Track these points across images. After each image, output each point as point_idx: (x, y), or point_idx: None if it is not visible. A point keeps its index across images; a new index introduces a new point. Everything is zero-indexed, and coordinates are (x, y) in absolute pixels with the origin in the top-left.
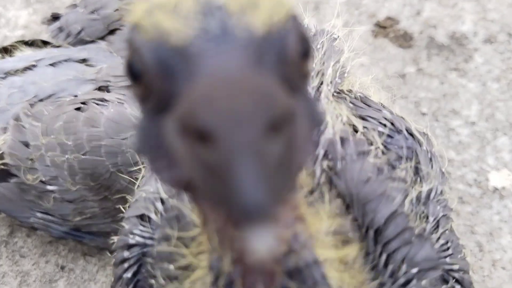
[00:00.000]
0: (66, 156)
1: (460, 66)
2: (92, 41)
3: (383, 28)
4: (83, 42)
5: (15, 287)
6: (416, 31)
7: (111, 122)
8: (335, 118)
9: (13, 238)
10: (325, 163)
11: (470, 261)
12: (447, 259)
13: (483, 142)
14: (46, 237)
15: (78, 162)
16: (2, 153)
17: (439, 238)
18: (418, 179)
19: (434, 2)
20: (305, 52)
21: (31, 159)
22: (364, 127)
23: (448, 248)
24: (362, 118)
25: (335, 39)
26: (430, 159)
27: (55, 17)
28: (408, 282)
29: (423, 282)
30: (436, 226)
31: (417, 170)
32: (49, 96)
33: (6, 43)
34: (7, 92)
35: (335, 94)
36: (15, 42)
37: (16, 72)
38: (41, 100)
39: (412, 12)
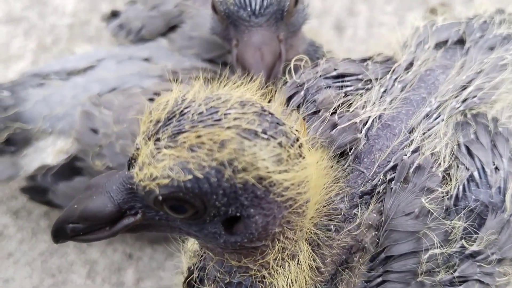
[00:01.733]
0: None
1: None
2: (152, 39)
3: (436, 15)
4: (144, 39)
5: (84, 275)
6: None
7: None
8: (437, 141)
9: None
10: (389, 175)
11: None
12: None
13: None
14: None
15: None
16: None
17: None
18: (464, 240)
19: None
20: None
21: (100, 146)
22: (458, 165)
23: None
24: (469, 154)
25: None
26: (503, 228)
27: (114, 14)
28: None
29: None
30: (459, 284)
31: (469, 231)
32: (113, 89)
33: (56, 32)
34: (71, 93)
35: (461, 114)
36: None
37: (78, 72)
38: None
39: None
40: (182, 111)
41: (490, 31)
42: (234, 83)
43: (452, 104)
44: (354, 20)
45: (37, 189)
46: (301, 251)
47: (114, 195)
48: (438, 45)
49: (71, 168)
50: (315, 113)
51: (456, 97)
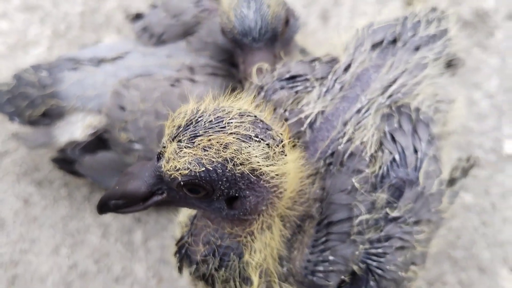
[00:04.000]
0: (159, 122)
1: (482, 42)
2: (172, 42)
3: (413, 5)
4: (164, 42)
5: (100, 235)
6: (443, 8)
7: (199, 99)
8: (365, 131)
9: (94, 195)
10: (328, 160)
11: (484, 218)
12: (360, 263)
13: (500, 113)
14: None
15: None
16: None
17: (374, 248)
18: (388, 208)
19: None
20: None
21: (126, 121)
22: (384, 150)
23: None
24: (393, 140)
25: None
26: (417, 198)
27: (138, 16)
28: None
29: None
30: (385, 240)
31: (391, 202)
32: (139, 75)
33: (68, 20)
34: (101, 78)
35: (387, 108)
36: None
37: (108, 60)
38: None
39: None
40: (197, 119)
41: (420, 31)
42: (235, 97)
43: (379, 100)
44: (339, 10)
45: (66, 160)
46: (274, 223)
47: (147, 180)
48: (374, 46)
49: (96, 143)
50: (273, 110)
51: (382, 94)
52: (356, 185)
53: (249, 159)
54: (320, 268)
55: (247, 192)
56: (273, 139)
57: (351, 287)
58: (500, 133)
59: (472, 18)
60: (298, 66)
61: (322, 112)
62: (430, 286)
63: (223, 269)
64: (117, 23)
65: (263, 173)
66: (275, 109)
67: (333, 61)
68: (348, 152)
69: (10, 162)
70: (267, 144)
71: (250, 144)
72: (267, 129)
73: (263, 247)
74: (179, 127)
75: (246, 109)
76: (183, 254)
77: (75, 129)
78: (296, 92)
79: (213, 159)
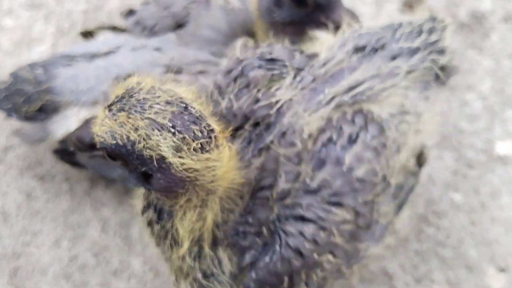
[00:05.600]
0: None
1: (477, 43)
2: (162, 34)
3: (411, 7)
4: (156, 34)
5: (99, 230)
6: (440, 9)
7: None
8: (316, 118)
9: (94, 190)
10: (277, 138)
11: (473, 217)
12: (271, 226)
13: (492, 114)
14: (121, 189)
15: None
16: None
17: (286, 215)
18: (308, 179)
19: None
20: None
21: None
22: (326, 130)
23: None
24: (339, 127)
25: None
26: (338, 175)
27: (131, 12)
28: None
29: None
30: (297, 207)
31: (312, 175)
32: (129, 74)
33: (72, 18)
34: (94, 73)
35: (348, 106)
36: (97, 27)
37: (100, 55)
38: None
39: None
40: (131, 95)
41: (403, 41)
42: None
43: (343, 97)
44: None
45: (67, 152)
46: (207, 199)
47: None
48: (356, 50)
49: None
50: (247, 86)
51: (346, 92)
52: (281, 153)
53: (157, 147)
54: (241, 229)
55: (158, 174)
56: (194, 133)
57: (262, 249)
58: (492, 134)
59: (468, 20)
60: (280, 51)
61: (290, 99)
62: (417, 283)
63: (159, 225)
64: (119, 21)
65: (172, 163)
66: (249, 85)
67: (314, 55)
68: (292, 129)
69: (13, 156)
70: (182, 137)
71: (162, 133)
72: (193, 122)
73: (193, 220)
74: (116, 97)
75: (180, 98)
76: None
77: (71, 123)
78: (272, 75)
79: (125, 136)
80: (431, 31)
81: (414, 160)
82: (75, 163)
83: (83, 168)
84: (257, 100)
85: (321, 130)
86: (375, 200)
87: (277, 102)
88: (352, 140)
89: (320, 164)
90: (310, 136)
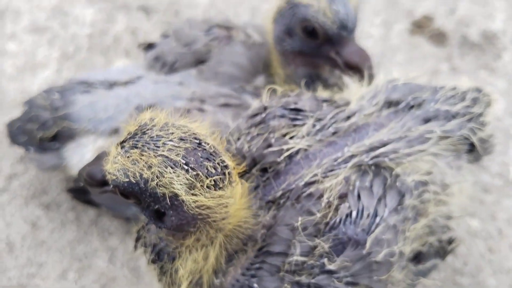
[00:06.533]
0: None
1: (489, 64)
2: (183, 70)
3: (420, 27)
4: (176, 71)
5: (107, 260)
6: (450, 29)
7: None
8: (334, 181)
9: (101, 219)
10: (289, 194)
11: (491, 244)
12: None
13: (507, 137)
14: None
15: None
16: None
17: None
18: (326, 259)
19: (467, 0)
20: None
21: None
22: (346, 202)
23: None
24: (358, 197)
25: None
26: (358, 260)
27: (150, 45)
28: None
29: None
30: None
31: (331, 254)
32: (150, 105)
33: (77, 42)
34: (114, 102)
35: (368, 166)
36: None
37: (120, 84)
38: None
39: (447, 10)
40: (144, 131)
41: (442, 103)
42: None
43: (362, 157)
44: None
45: (80, 190)
46: (215, 239)
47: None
48: (389, 104)
49: None
50: (266, 133)
51: (367, 152)
52: (297, 224)
53: (170, 184)
54: None
55: (171, 211)
56: (207, 169)
57: None
58: (507, 157)
59: (480, 40)
60: (308, 102)
61: (306, 149)
62: None
63: (157, 264)
64: (125, 46)
65: (185, 201)
66: (265, 133)
67: (344, 105)
68: (308, 191)
69: (18, 185)
70: (196, 175)
71: (175, 170)
72: (207, 158)
73: (198, 260)
74: (129, 133)
75: (193, 134)
76: (140, 236)
77: (86, 151)
78: (294, 125)
79: (138, 174)
80: (474, 101)
81: (443, 244)
82: (89, 202)
83: (97, 207)
84: (269, 145)
85: (340, 199)
86: (389, 275)
87: (288, 149)
88: (371, 222)
89: (339, 245)
90: (329, 205)
